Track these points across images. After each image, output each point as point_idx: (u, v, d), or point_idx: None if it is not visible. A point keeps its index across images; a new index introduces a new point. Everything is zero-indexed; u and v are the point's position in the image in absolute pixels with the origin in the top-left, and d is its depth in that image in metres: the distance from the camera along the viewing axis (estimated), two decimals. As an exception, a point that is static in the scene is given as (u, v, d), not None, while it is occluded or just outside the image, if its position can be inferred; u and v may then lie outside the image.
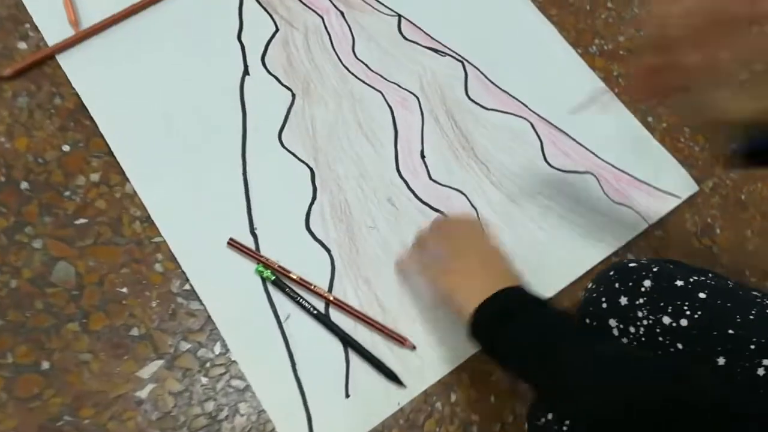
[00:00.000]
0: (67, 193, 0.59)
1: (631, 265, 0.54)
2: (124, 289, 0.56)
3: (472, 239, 0.58)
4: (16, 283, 0.54)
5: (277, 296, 0.58)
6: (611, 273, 0.55)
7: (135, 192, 0.60)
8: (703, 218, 0.73)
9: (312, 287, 0.58)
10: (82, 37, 0.65)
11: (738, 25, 0.42)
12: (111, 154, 0.61)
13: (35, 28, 0.65)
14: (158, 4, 0.69)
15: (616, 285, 0.53)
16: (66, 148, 0.61)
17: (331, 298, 0.58)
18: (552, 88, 0.75)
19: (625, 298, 0.52)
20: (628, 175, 0.73)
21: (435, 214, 0.66)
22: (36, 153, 0.60)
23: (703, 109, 0.48)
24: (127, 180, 0.60)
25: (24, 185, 0.58)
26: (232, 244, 0.59)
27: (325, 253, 0.61)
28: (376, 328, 0.58)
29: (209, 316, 0.56)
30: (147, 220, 0.59)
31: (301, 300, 0.57)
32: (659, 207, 0.72)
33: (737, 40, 0.42)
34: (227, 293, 0.57)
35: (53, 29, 0.65)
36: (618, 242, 0.68)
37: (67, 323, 0.54)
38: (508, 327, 0.49)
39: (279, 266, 0.58)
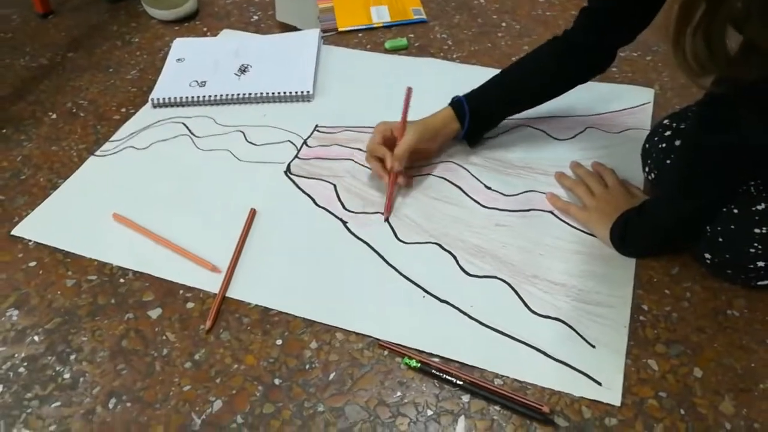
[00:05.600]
0: (307, 366, 0.71)
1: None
2: None
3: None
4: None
5: None
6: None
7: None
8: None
9: (451, 371, 0.68)
10: (231, 272, 0.81)
11: None
12: (309, 324, 0.75)
13: (189, 289, 0.80)
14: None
15: None
16: (279, 341, 0.74)
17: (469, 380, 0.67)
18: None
19: None
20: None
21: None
22: (265, 358, 0.72)
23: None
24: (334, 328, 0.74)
25: (277, 381, 0.70)
26: (382, 345, 0.71)
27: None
28: (513, 400, 0.65)
29: None
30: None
31: (445, 377, 0.67)
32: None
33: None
34: None
35: (206, 281, 0.80)
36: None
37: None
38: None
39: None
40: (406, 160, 0.87)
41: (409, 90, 0.90)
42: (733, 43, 0.56)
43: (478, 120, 0.91)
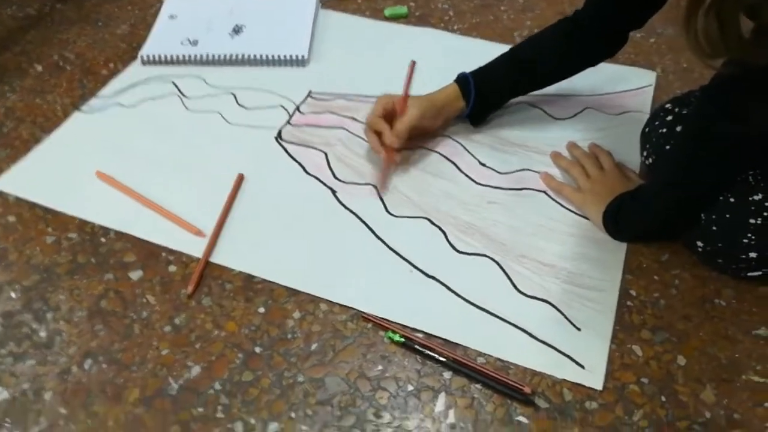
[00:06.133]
0: (289, 336, 0.70)
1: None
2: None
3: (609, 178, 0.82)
4: None
5: None
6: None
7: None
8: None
9: (434, 347, 0.67)
10: (215, 236, 0.79)
11: None
12: (293, 293, 0.74)
13: (171, 252, 0.78)
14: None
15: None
16: (261, 309, 0.72)
17: (452, 357, 0.66)
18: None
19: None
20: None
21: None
22: (247, 325, 0.71)
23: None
24: (319, 299, 0.73)
25: (258, 349, 0.69)
26: (366, 318, 0.70)
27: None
28: (495, 379, 0.64)
29: None
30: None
31: (429, 353, 0.67)
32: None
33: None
34: None
35: (189, 245, 0.78)
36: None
37: None
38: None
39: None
40: (405, 137, 0.84)
41: (413, 64, 0.86)
42: (746, 25, 0.55)
43: (484, 99, 0.88)
